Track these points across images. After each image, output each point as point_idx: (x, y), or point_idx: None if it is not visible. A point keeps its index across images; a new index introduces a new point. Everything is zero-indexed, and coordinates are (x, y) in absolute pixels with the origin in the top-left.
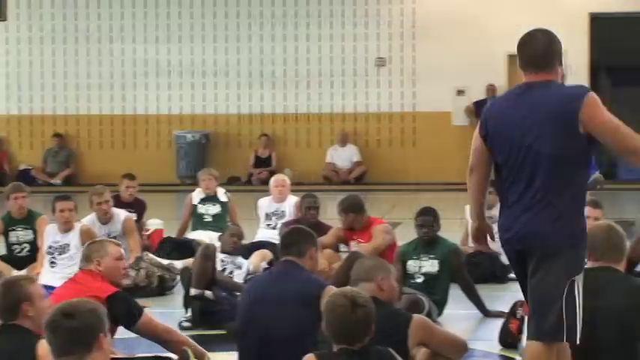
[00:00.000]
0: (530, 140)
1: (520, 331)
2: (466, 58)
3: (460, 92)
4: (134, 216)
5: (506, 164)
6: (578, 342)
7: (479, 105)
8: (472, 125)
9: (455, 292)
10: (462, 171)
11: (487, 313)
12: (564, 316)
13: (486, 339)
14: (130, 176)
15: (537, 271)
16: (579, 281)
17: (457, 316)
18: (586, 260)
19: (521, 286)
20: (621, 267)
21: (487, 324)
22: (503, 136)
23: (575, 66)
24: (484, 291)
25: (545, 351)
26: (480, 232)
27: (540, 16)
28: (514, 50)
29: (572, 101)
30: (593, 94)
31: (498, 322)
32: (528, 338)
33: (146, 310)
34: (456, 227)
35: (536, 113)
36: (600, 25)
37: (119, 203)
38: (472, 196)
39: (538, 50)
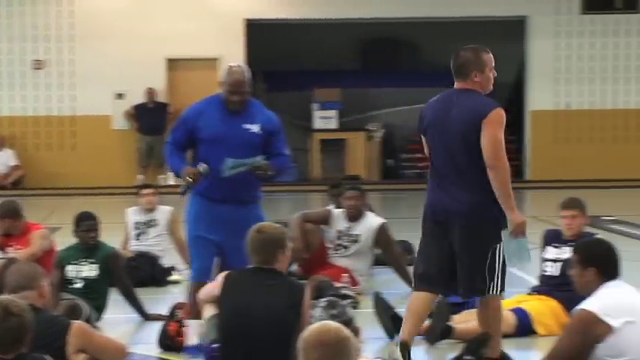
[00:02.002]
0: (451, 133)
1: (179, 334)
2: (125, 62)
3: (119, 96)
4: None
5: (434, 152)
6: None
7: (138, 109)
8: (132, 129)
9: (114, 297)
10: (124, 174)
11: (146, 317)
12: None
13: (146, 342)
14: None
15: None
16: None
17: (117, 320)
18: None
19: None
20: (280, 267)
21: (146, 327)
22: (433, 128)
23: None
24: (144, 294)
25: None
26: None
27: (197, 21)
28: (173, 54)
29: (482, 112)
30: (499, 110)
31: (157, 325)
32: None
33: None
34: (116, 231)
35: (456, 112)
36: (255, 30)
37: None
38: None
39: (457, 63)
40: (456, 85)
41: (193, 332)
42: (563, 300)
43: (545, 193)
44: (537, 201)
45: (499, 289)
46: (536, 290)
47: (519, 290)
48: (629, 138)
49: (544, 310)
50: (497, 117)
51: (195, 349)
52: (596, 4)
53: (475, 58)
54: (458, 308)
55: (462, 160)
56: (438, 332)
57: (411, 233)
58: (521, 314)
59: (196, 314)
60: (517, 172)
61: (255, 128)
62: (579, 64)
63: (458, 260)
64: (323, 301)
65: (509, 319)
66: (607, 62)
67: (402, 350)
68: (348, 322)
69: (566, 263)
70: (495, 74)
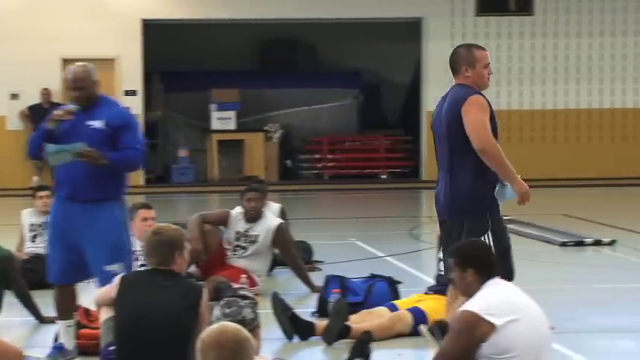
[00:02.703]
0: (443, 126)
1: (77, 337)
2: (20, 62)
3: (14, 96)
4: None
5: (437, 148)
6: None
7: (33, 109)
8: (27, 130)
9: (9, 299)
10: (19, 176)
11: (42, 320)
12: None
13: (41, 345)
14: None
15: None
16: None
17: (12, 323)
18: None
19: None
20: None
21: (42, 330)
22: (434, 124)
23: (129, 72)
24: (39, 297)
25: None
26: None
27: (93, 21)
28: (68, 54)
29: (460, 100)
30: (476, 96)
31: (53, 328)
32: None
33: None
34: (12, 233)
35: (445, 106)
36: (152, 30)
37: None
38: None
39: (451, 58)
40: (454, 81)
41: (61, 333)
42: None
43: None
44: (433, 201)
45: None
46: (433, 289)
47: (416, 290)
48: (522, 138)
49: (440, 309)
50: (474, 101)
51: (55, 350)
52: (490, 6)
53: (467, 53)
54: (356, 308)
55: (450, 152)
56: (335, 332)
57: (309, 234)
58: (418, 313)
59: (63, 315)
60: (413, 173)
61: (98, 124)
62: None
63: None
64: (222, 301)
65: (406, 319)
66: (501, 64)
67: None
68: (244, 322)
69: None
70: (491, 72)
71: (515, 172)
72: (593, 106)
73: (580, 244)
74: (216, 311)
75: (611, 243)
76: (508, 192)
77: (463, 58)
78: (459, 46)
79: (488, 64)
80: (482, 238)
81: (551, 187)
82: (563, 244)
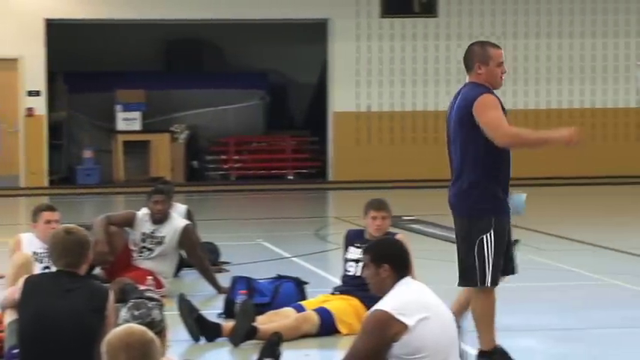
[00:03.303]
0: (453, 126)
1: None
2: None
3: None
4: None
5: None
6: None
7: None
8: None
9: None
10: None
11: None
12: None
13: None
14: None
15: None
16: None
17: None
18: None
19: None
20: (82, 271)
21: None
22: (447, 122)
23: (32, 72)
24: None
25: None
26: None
27: None
28: None
29: (470, 102)
30: (483, 96)
31: None
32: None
33: None
34: None
35: (455, 104)
36: (56, 30)
37: None
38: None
39: (465, 56)
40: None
41: None
42: (365, 299)
43: (348, 194)
44: (340, 201)
45: (490, 281)
46: (339, 290)
47: (323, 290)
48: (427, 139)
49: (347, 309)
50: (482, 102)
51: None
52: (395, 8)
53: (480, 50)
54: (263, 309)
55: (459, 152)
56: (242, 333)
57: (216, 235)
58: (324, 314)
59: None
60: (320, 174)
61: None
62: (380, 67)
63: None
64: (129, 303)
65: (312, 319)
66: (406, 65)
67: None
68: (153, 324)
69: None
70: (505, 70)
71: (541, 134)
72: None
73: None
74: (124, 313)
75: (515, 243)
76: (519, 203)
77: (476, 55)
78: (473, 43)
79: (502, 62)
80: (484, 238)
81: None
82: None
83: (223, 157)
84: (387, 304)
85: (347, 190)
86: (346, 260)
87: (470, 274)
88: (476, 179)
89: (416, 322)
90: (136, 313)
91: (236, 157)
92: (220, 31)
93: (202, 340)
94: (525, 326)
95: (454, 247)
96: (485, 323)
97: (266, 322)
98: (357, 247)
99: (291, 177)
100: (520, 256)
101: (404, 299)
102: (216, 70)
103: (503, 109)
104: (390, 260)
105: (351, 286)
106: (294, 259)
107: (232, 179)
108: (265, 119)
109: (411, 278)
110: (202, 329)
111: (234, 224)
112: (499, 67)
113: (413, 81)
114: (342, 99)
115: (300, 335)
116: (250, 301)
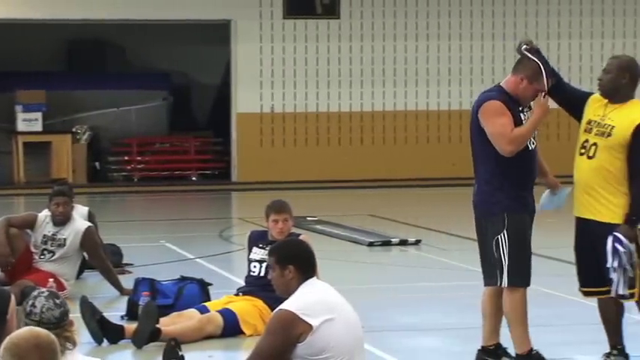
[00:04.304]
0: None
1: None
2: None
3: None
4: None
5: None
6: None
7: None
8: None
9: None
10: None
11: None
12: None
13: None
14: None
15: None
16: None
17: None
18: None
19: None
20: None
21: None
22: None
23: None
24: None
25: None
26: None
27: None
28: None
29: (478, 106)
30: (488, 102)
31: None
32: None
33: None
34: None
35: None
36: None
37: None
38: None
39: (519, 59)
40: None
41: None
42: (269, 300)
43: (252, 195)
44: (244, 202)
45: (513, 280)
46: (243, 291)
47: (227, 291)
48: (330, 141)
49: (251, 310)
50: (487, 108)
51: None
52: (297, 9)
53: (537, 71)
54: (166, 310)
55: (474, 153)
56: (145, 335)
57: (119, 236)
58: (228, 315)
59: None
60: (224, 175)
61: None
62: (283, 68)
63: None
64: (44, 293)
65: (216, 320)
66: (309, 66)
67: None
68: (68, 313)
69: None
70: (544, 93)
71: (531, 121)
72: (406, 107)
73: (387, 243)
74: (44, 301)
75: (417, 242)
76: (561, 198)
77: (530, 70)
78: (537, 59)
79: (540, 94)
80: (499, 238)
81: (359, 189)
82: (371, 244)
83: (126, 158)
84: (292, 304)
85: (251, 191)
86: (250, 261)
87: (489, 273)
88: (489, 179)
89: (320, 322)
90: (57, 301)
91: (139, 158)
92: (123, 32)
93: (105, 343)
94: (427, 326)
95: (358, 247)
96: (516, 323)
97: (169, 324)
98: (261, 248)
99: (195, 178)
100: (423, 255)
101: (309, 300)
102: (119, 71)
103: (514, 107)
104: (294, 261)
105: (254, 286)
106: (197, 260)
107: (135, 180)
108: (168, 120)
109: (316, 279)
110: (105, 331)
111: (137, 225)
112: (535, 93)
113: (316, 82)
114: (245, 100)
115: (204, 336)
116: (153, 302)
